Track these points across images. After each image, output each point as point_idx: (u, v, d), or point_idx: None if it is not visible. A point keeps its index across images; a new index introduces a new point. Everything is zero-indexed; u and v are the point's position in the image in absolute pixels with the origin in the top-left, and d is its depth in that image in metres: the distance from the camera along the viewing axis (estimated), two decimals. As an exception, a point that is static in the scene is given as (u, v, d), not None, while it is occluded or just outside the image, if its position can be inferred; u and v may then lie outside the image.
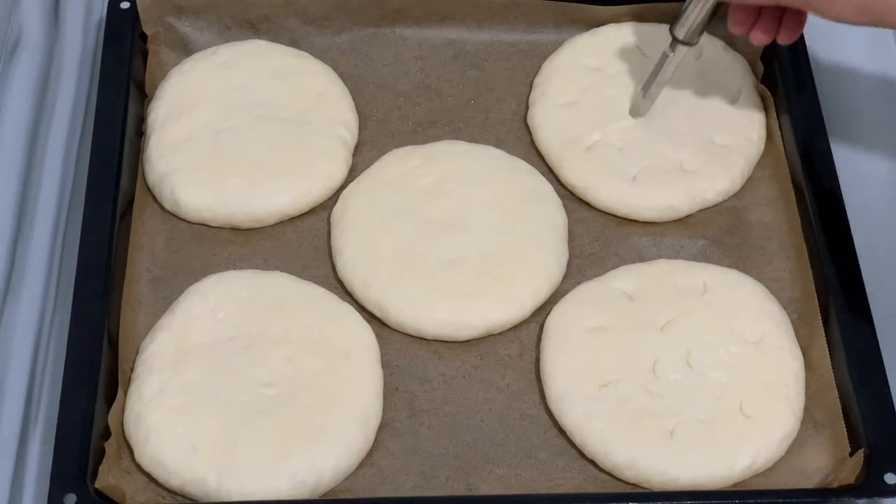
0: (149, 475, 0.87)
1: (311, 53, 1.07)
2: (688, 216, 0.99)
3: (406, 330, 0.93)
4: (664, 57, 0.98)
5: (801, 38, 1.03)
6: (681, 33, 0.97)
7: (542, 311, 0.94)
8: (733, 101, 1.03)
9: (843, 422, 0.88)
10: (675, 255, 0.97)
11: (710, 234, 0.98)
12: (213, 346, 0.91)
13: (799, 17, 0.93)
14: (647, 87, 1.00)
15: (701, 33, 0.97)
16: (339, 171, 1.00)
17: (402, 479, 0.88)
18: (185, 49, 1.07)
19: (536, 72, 1.06)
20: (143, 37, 1.06)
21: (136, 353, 0.92)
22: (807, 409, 0.90)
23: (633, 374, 0.90)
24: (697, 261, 0.97)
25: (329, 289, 0.95)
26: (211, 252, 0.97)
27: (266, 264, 0.96)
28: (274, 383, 0.89)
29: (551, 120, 1.03)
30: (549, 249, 0.96)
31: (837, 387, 0.89)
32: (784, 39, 0.94)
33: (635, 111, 1.02)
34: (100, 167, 0.97)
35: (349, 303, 0.94)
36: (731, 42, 1.07)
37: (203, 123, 1.02)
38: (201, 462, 0.86)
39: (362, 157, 1.02)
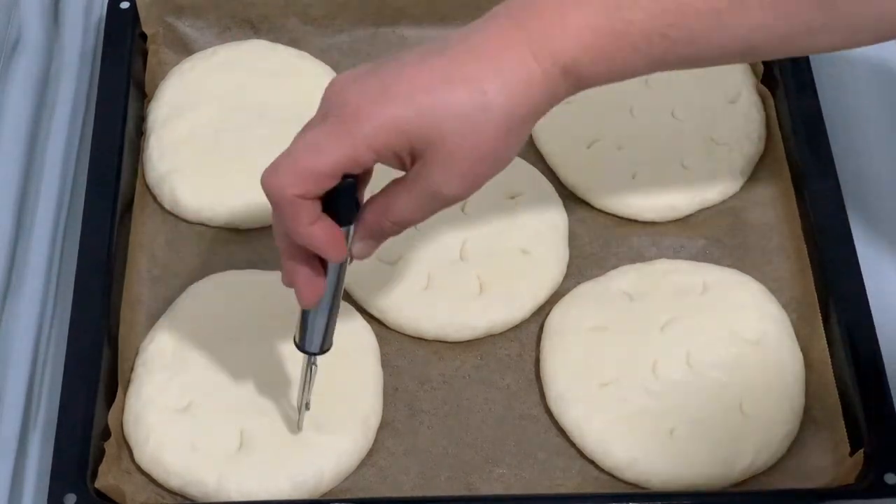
0: (149, 475, 0.87)
1: (311, 53, 1.07)
2: (688, 216, 0.99)
3: (405, 331, 0.93)
4: (306, 371, 0.84)
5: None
6: (310, 347, 0.83)
7: (542, 311, 0.94)
8: (733, 101, 1.03)
9: (843, 422, 0.88)
10: (675, 255, 0.97)
11: (710, 234, 0.98)
12: (213, 345, 0.91)
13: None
14: (303, 401, 0.86)
15: (328, 338, 0.83)
16: (339, 171, 1.00)
17: (402, 479, 0.88)
18: (185, 49, 1.07)
19: (536, 72, 1.06)
20: (143, 37, 1.06)
21: (136, 353, 0.92)
22: (807, 409, 0.90)
23: (633, 373, 0.90)
24: (697, 261, 0.97)
25: (329, 289, 0.95)
26: (211, 252, 0.97)
27: (266, 264, 0.96)
28: (274, 383, 0.89)
29: (551, 120, 1.02)
30: (549, 249, 0.96)
31: (837, 387, 0.89)
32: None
33: (298, 427, 0.88)
34: (100, 167, 0.97)
35: (349, 303, 0.94)
36: (731, 42, 1.07)
37: (203, 123, 1.02)
38: (201, 462, 0.86)
39: (362, 157, 1.02)
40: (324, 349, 0.83)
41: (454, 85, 0.73)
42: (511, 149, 0.77)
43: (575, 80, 0.76)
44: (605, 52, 0.75)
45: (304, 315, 0.82)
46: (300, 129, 0.75)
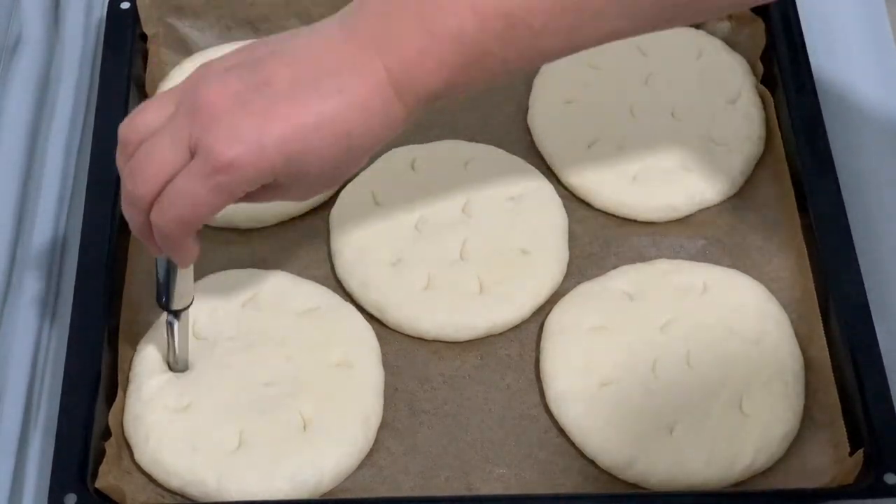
0: (149, 475, 0.87)
1: (311, 53, 1.06)
2: (688, 216, 0.99)
3: (405, 331, 0.93)
4: (169, 326, 0.88)
5: (801, 37, 1.04)
6: (171, 304, 0.87)
7: (542, 311, 0.94)
8: (733, 101, 1.03)
9: (843, 422, 0.88)
10: (675, 255, 0.97)
11: (710, 234, 0.98)
12: (213, 345, 0.91)
13: None
14: (172, 355, 0.90)
15: (182, 298, 0.87)
16: (339, 171, 1.00)
17: (402, 479, 0.88)
18: (185, 49, 1.07)
19: (536, 72, 1.06)
20: (143, 37, 1.06)
21: (136, 353, 0.92)
22: (807, 408, 0.90)
23: (633, 373, 0.90)
24: (697, 261, 0.97)
25: (329, 289, 0.95)
26: (211, 252, 0.97)
27: (266, 264, 0.96)
28: (274, 383, 0.89)
29: (551, 120, 1.03)
30: (549, 249, 0.96)
31: (838, 386, 0.89)
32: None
33: (176, 367, 0.90)
34: (100, 167, 0.97)
35: (349, 303, 0.94)
36: (731, 42, 1.07)
37: (203, 123, 1.02)
38: (201, 462, 0.86)
39: (362, 158, 1.02)
40: (169, 309, 0.88)
41: (325, 134, 0.77)
42: (360, 166, 0.82)
43: (431, 103, 0.80)
44: (466, 80, 0.79)
45: (167, 278, 0.86)
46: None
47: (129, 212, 0.81)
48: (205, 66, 0.79)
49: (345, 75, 0.77)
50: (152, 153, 0.78)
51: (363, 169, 1.00)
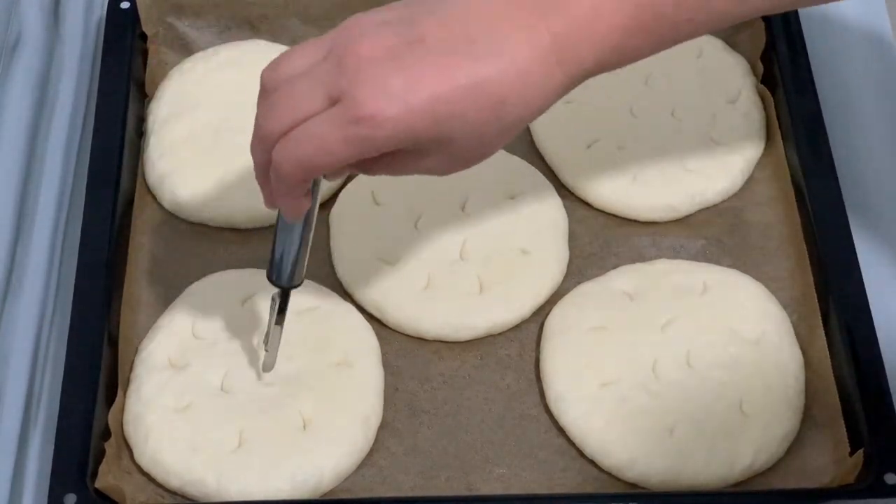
0: (148, 475, 0.87)
1: (311, 53, 1.07)
2: (688, 216, 0.99)
3: (405, 331, 0.93)
4: (273, 304, 0.86)
5: (801, 37, 1.04)
6: (282, 280, 0.85)
7: (542, 311, 0.94)
8: (733, 101, 1.03)
9: (843, 422, 0.88)
10: (675, 255, 0.97)
11: (710, 234, 0.98)
12: (213, 345, 0.91)
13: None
14: (267, 339, 0.88)
15: (302, 272, 0.85)
16: (339, 171, 1.00)
17: (402, 479, 0.88)
18: (185, 49, 1.07)
19: (536, 72, 1.06)
20: (143, 37, 1.06)
21: (136, 353, 0.92)
22: (807, 408, 0.90)
23: (633, 373, 0.90)
24: (697, 261, 0.97)
25: (329, 289, 0.95)
26: (211, 252, 0.97)
27: (266, 264, 0.96)
28: (274, 383, 0.89)
29: (551, 120, 1.02)
30: (549, 249, 0.96)
31: (837, 387, 0.89)
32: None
33: (265, 367, 0.89)
34: (100, 167, 0.97)
35: (349, 303, 0.94)
36: (731, 42, 1.07)
37: (203, 123, 1.02)
38: (201, 462, 0.86)
39: (362, 157, 1.02)
40: (280, 284, 0.85)
41: (477, 97, 0.73)
42: (508, 140, 0.77)
43: (591, 75, 0.76)
44: (631, 48, 0.75)
45: (278, 247, 0.84)
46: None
47: (254, 149, 0.77)
48: (358, 18, 0.75)
49: (504, 37, 0.72)
50: (291, 94, 0.75)
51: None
